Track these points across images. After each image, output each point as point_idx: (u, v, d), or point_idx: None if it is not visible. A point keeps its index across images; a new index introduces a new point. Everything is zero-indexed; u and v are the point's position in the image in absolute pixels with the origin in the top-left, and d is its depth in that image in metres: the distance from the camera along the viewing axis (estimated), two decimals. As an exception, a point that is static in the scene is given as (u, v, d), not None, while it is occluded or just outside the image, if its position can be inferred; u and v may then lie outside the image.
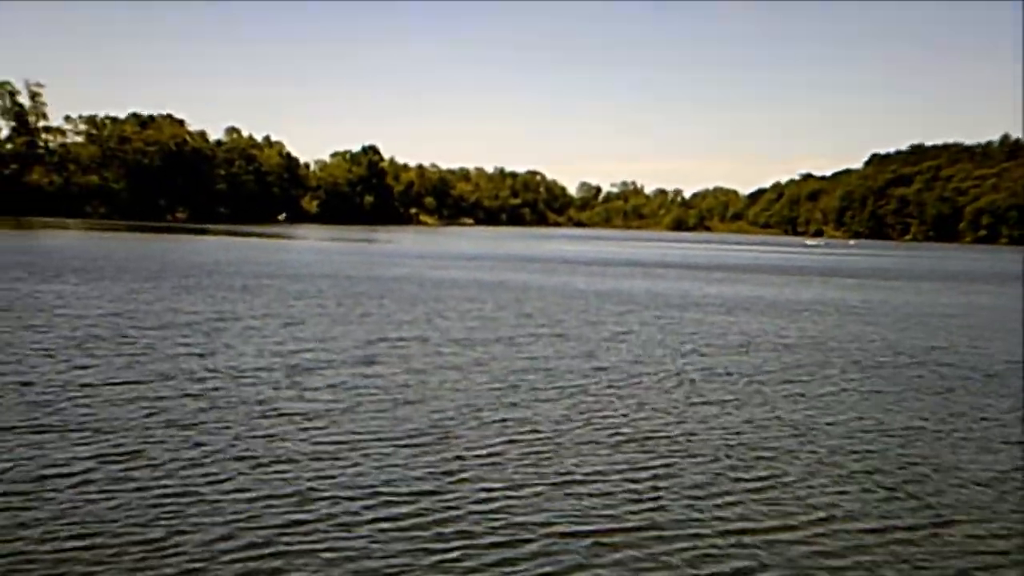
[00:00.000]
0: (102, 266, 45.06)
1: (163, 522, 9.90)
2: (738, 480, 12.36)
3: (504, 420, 15.22)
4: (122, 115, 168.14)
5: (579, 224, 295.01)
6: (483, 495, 11.25)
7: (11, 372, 17.34)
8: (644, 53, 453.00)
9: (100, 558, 8.93)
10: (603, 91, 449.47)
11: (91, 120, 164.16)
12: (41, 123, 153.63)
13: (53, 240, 73.56)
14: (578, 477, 12.16)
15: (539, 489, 11.57)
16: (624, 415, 16.01)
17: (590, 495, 11.40)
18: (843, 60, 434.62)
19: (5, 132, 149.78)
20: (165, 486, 11.07)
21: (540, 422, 15.19)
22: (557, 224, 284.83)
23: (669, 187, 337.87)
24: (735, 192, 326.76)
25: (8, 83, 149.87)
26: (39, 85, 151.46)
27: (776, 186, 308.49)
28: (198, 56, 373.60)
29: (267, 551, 9.27)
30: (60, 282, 35.69)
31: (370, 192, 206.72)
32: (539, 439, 14.06)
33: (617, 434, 14.61)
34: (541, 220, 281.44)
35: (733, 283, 53.69)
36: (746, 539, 10.15)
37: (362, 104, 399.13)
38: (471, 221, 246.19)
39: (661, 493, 11.62)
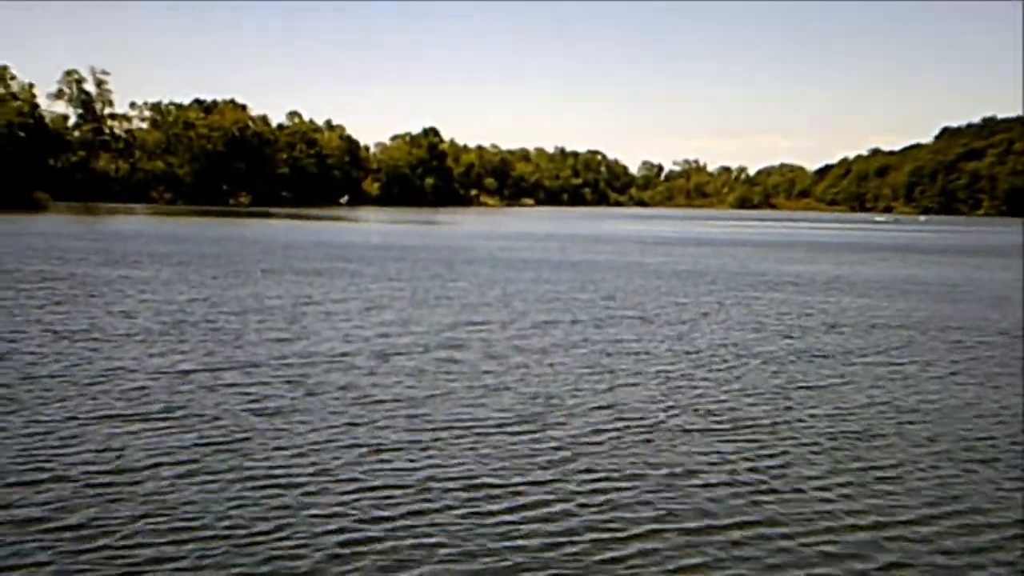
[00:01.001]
0: (178, 251, 45.47)
1: (269, 513, 9.64)
2: (851, 468, 11.80)
3: (601, 406, 14.80)
4: (186, 101, 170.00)
5: (641, 203, 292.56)
6: (588, 485, 10.87)
7: (103, 358, 17.30)
8: (706, 29, 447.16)
9: (205, 551, 8.68)
10: (665, 68, 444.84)
11: (156, 106, 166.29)
12: (107, 110, 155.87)
13: (125, 225, 74.57)
14: (684, 466, 11.72)
15: (644, 479, 11.15)
16: (722, 400, 15.52)
17: (697, 485, 10.95)
18: (912, 32, 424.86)
19: (73, 119, 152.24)
20: (269, 476, 10.83)
21: (638, 407, 14.76)
22: (619, 204, 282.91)
23: (733, 164, 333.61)
24: (802, 168, 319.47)
25: (75, 71, 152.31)
26: (105, 73, 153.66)
27: (844, 162, 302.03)
28: (260, 42, 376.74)
29: (379, 544, 8.95)
30: (141, 268, 35.95)
31: (431, 174, 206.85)
32: (639, 426, 13.63)
33: (718, 420, 14.15)
34: (602, 200, 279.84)
35: (810, 262, 52.50)
36: (868, 534, 9.60)
37: (422, 86, 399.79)
38: (532, 202, 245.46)
39: (773, 483, 11.12)
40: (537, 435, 12.95)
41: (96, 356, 17.50)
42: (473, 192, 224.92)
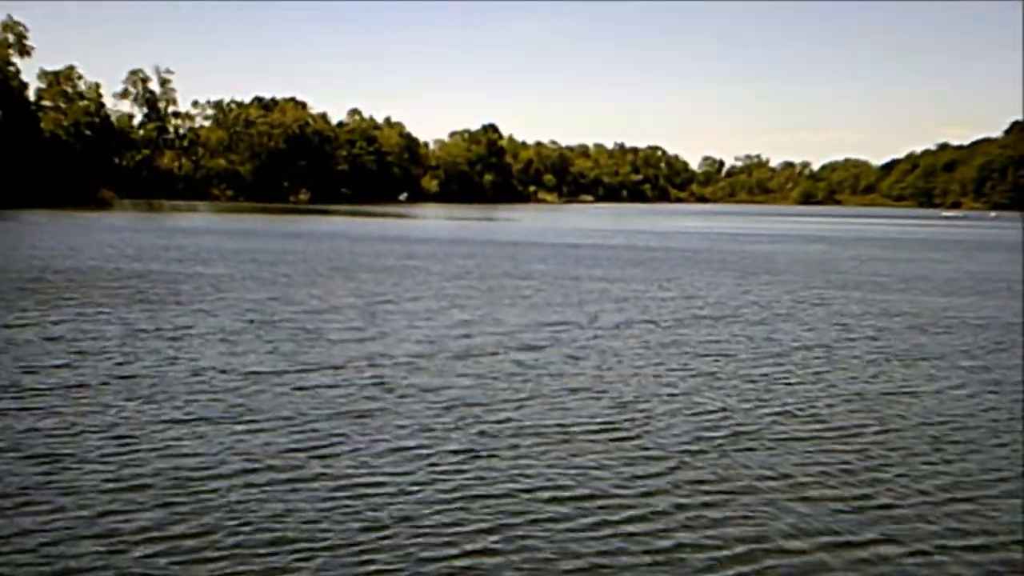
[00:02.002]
0: (246, 248, 45.63)
1: (355, 521, 9.28)
2: (955, 477, 11.15)
3: (688, 410, 14.27)
4: (247, 99, 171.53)
5: (702, 199, 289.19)
6: (689, 491, 10.42)
7: (188, 359, 17.11)
8: (769, 21, 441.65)
9: (292, 560, 8.34)
10: (726, 63, 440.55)
11: (218, 105, 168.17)
12: (171, 109, 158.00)
13: (191, 222, 75.28)
14: (786, 474, 11.16)
15: (742, 488, 10.61)
16: (814, 404, 14.88)
17: (796, 497, 10.36)
18: (982, 24, 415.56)
19: (138, 118, 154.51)
20: (354, 482, 10.45)
21: (726, 412, 14.21)
22: (679, 200, 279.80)
23: (797, 160, 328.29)
24: (867, 163, 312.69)
25: (140, 70, 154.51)
26: (169, 72, 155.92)
27: (910, 156, 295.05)
28: (319, 40, 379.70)
29: (466, 557, 8.55)
30: (214, 266, 35.97)
31: (489, 171, 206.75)
32: (730, 431, 13.07)
33: (811, 425, 13.57)
34: (663, 196, 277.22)
35: (883, 259, 51.03)
36: (977, 555, 8.92)
37: (482, 83, 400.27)
38: (591, 198, 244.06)
39: (883, 498, 10.46)
40: (627, 441, 12.46)
41: (180, 356, 17.30)
42: (531, 189, 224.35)
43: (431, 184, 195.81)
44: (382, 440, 12.11)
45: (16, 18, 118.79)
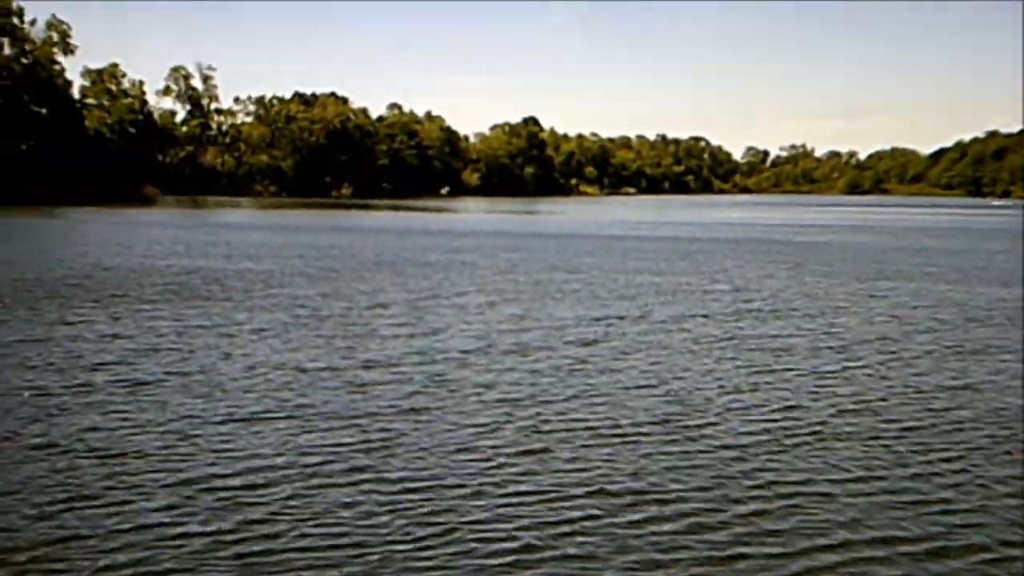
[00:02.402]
0: (292, 243, 45.71)
1: (411, 519, 9.09)
2: None
3: (748, 406, 13.92)
4: (288, 95, 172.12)
5: (745, 190, 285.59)
6: (748, 487, 10.20)
7: (241, 355, 17.03)
8: (812, 10, 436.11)
9: (350, 558, 8.17)
10: (768, 51, 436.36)
11: (259, 100, 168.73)
12: (213, 105, 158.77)
13: (235, 218, 75.76)
14: (845, 472, 10.85)
15: (808, 487, 10.29)
16: (875, 400, 14.49)
17: (862, 493, 10.10)
18: None
19: (181, 115, 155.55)
20: (412, 479, 10.26)
21: (786, 408, 13.85)
22: (722, 191, 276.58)
23: (842, 149, 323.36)
24: (915, 152, 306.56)
25: (182, 67, 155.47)
26: (211, 68, 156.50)
27: (959, 145, 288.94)
28: (359, 35, 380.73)
29: (526, 554, 8.35)
30: (262, 261, 36.03)
31: (530, 163, 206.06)
32: (791, 428, 12.70)
33: (878, 421, 13.16)
34: (706, 187, 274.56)
35: (945, 251, 49.96)
36: None
37: (522, 75, 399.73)
38: (633, 190, 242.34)
39: (951, 495, 10.13)
40: (684, 438, 12.15)
41: (234, 353, 17.23)
42: (573, 181, 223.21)
43: (472, 178, 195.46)
44: (439, 436, 11.93)
45: (60, 16, 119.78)
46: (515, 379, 15.35)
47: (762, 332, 20.69)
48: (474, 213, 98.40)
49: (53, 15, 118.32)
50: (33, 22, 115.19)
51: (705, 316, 23.00)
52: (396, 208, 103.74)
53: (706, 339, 19.66)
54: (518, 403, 13.74)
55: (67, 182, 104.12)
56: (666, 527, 9.04)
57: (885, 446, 11.87)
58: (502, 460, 11.00)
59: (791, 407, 13.85)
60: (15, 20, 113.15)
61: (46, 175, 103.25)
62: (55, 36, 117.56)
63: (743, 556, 8.40)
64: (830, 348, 18.82)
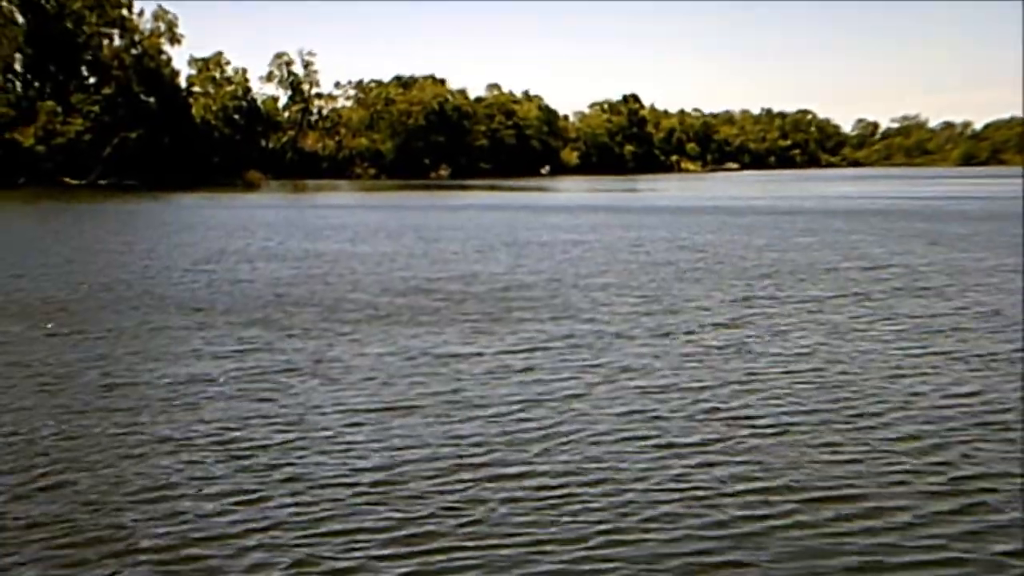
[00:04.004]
0: (418, 224, 44.70)
1: (559, 518, 8.08)
2: None
3: (923, 394, 12.07)
4: (386, 78, 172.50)
5: (854, 163, 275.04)
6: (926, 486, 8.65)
7: (377, 340, 15.76)
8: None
9: (488, 557, 7.37)
10: (877, 21, 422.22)
11: (359, 84, 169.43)
12: (314, 90, 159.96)
13: (343, 199, 75.52)
14: None
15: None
16: None
17: None
18: None
19: (283, 100, 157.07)
20: (561, 473, 9.18)
21: (972, 395, 12.00)
22: (831, 165, 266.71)
23: (956, 119, 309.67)
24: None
25: (284, 54, 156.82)
26: (311, 54, 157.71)
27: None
28: (459, 14, 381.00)
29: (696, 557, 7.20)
30: (382, 242, 35.29)
31: (630, 141, 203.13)
32: (980, 422, 10.87)
33: None
34: (812, 162, 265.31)
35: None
36: None
37: (623, 52, 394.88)
38: (736, 166, 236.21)
39: None
40: (861, 433, 10.43)
41: (370, 339, 15.93)
42: (674, 158, 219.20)
43: (571, 156, 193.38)
44: (583, 426, 10.69)
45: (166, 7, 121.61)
46: (660, 365, 13.76)
47: (917, 311, 18.53)
48: (577, 192, 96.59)
49: (160, 6, 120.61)
50: (141, 13, 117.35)
51: (855, 295, 20.79)
52: (496, 188, 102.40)
53: (861, 319, 17.63)
54: (665, 390, 12.32)
55: (175, 169, 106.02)
56: (836, 528, 7.84)
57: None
58: (655, 452, 9.77)
59: (969, 394, 12.01)
60: (124, 12, 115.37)
61: (156, 162, 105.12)
62: (162, 26, 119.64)
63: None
64: (999, 327, 16.67)
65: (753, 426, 10.65)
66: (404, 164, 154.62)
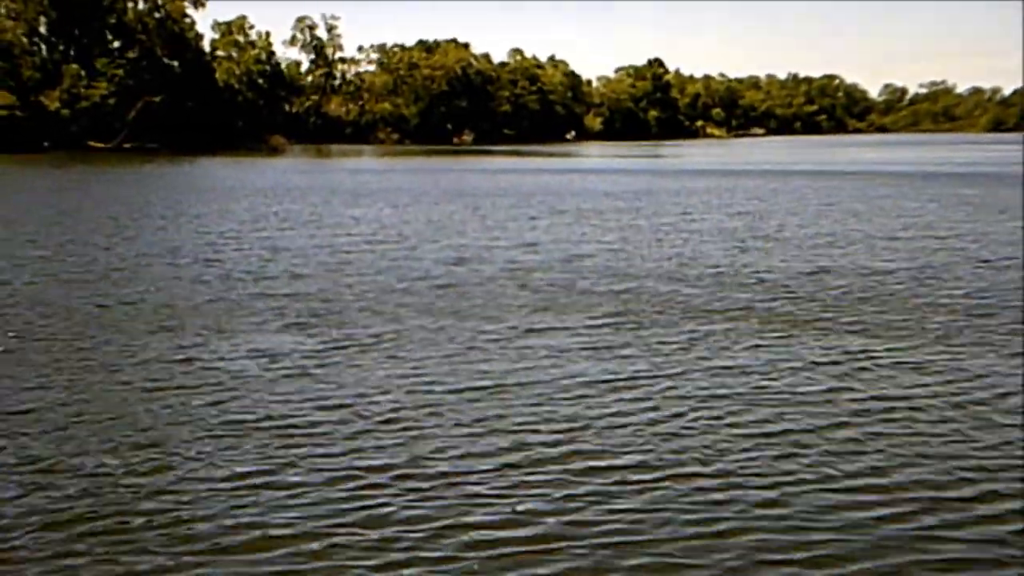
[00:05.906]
0: (453, 188, 44.10)
1: (613, 517, 7.44)
2: None
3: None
4: (410, 42, 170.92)
5: (881, 129, 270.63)
6: None
7: (423, 321, 15.26)
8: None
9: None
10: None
11: (382, 48, 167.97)
12: (337, 54, 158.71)
13: (368, 164, 74.73)
14: None
15: None
16: None
17: None
18: None
19: (305, 65, 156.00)
20: (622, 467, 8.53)
21: None
22: (857, 131, 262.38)
23: (985, 85, 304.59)
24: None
25: (307, 17, 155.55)
26: (335, 18, 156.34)
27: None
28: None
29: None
30: (425, 206, 34.47)
31: (655, 107, 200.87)
32: None
33: None
34: (839, 127, 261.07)
35: None
36: None
37: (648, 19, 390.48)
38: (762, 131, 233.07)
39: None
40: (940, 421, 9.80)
41: (416, 318, 15.41)
42: (699, 123, 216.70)
43: (595, 122, 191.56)
44: (647, 410, 10.14)
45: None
46: (723, 345, 13.09)
47: (987, 284, 17.79)
48: (606, 157, 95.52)
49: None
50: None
51: (924, 268, 19.93)
52: (521, 153, 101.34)
53: (942, 296, 16.73)
54: (727, 371, 11.68)
55: (199, 133, 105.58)
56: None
57: None
58: (727, 441, 9.16)
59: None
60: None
61: (180, 127, 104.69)
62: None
63: None
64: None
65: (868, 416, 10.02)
66: (427, 129, 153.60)
